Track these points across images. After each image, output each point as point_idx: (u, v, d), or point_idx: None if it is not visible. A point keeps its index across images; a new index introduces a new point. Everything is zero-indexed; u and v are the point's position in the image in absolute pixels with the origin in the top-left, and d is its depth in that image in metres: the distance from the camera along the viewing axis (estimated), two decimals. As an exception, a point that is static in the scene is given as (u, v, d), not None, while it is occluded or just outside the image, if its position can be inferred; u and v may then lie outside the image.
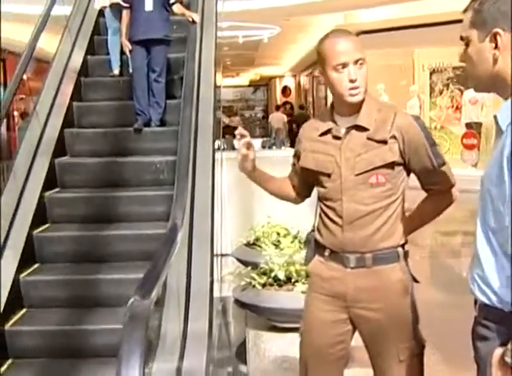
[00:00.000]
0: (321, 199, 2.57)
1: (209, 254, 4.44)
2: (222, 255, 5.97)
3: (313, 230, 2.64)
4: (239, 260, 5.92)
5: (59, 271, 4.62)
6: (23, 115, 14.52)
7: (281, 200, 2.84)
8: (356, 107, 2.46)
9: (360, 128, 2.46)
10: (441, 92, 16.18)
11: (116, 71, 6.57)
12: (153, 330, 3.80)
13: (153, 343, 3.68)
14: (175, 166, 4.60)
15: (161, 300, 3.96)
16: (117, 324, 3.74)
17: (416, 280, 2.54)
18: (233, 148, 9.18)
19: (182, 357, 3.55)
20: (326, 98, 21.26)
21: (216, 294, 4.67)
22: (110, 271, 4.54)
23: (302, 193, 2.79)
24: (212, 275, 4.29)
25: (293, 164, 2.74)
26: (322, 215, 2.55)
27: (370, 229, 2.45)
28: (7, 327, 4.09)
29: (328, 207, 2.51)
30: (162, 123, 6.00)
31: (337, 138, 2.50)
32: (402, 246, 2.51)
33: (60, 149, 5.50)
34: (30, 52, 5.29)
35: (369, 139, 2.44)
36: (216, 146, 5.62)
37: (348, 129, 2.47)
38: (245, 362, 4.53)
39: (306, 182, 2.70)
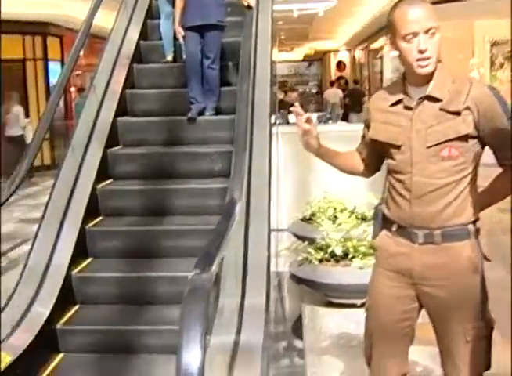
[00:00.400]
0: (390, 172, 2.49)
1: (266, 230, 4.41)
2: (278, 230, 5.96)
3: (380, 203, 2.58)
4: (295, 235, 5.91)
5: (111, 266, 4.61)
6: (80, 90, 14.71)
7: (349, 175, 2.76)
8: (428, 77, 2.37)
9: (433, 99, 2.36)
10: (501, 66, 15.74)
11: (169, 57, 6.39)
12: (210, 304, 3.82)
13: (211, 317, 3.70)
14: (231, 157, 4.54)
15: (219, 274, 3.98)
16: (169, 324, 3.81)
17: (487, 259, 2.47)
18: (288, 122, 9.16)
19: (239, 331, 3.55)
20: (381, 72, 20.95)
21: (272, 269, 4.66)
22: (164, 267, 4.48)
23: (372, 166, 2.71)
24: (269, 250, 4.28)
25: (363, 136, 2.66)
26: (391, 188, 2.48)
27: (440, 205, 2.37)
28: (59, 325, 4.13)
29: (397, 180, 2.44)
30: (217, 111, 5.85)
31: (408, 108, 2.41)
32: (473, 223, 2.43)
33: (113, 138, 5.45)
34: (87, 28, 5.32)
35: (442, 110, 2.34)
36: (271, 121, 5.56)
37: (420, 100, 2.38)
38: (301, 337, 4.52)
39: (376, 154, 2.62)
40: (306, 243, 5.23)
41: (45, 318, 3.99)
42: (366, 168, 2.71)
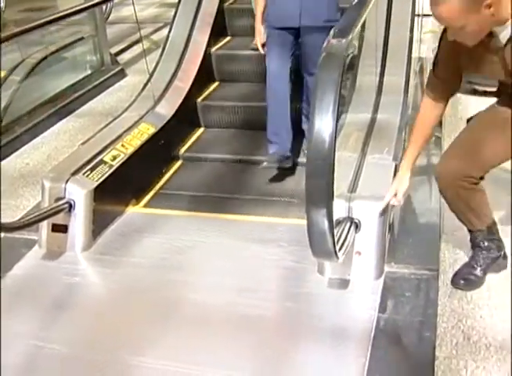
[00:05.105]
0: None
1: (409, 13, 4.19)
2: (424, 15, 5.63)
3: None
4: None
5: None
6: None
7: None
8: None
9: None
10: None
11: None
12: (348, 83, 3.76)
13: (347, 95, 3.66)
14: None
15: (358, 53, 3.87)
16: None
17: None
18: None
19: (376, 110, 3.49)
20: None
21: (415, 54, 4.47)
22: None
23: None
24: (412, 31, 4.07)
25: None
26: None
27: None
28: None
29: None
30: None
31: None
32: None
33: None
34: None
35: None
36: None
37: None
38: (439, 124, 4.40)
39: None
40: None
41: (185, 92, 4.12)
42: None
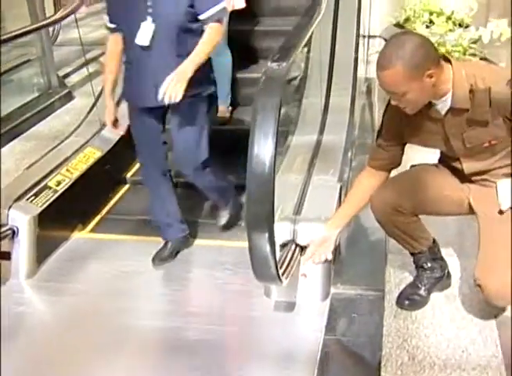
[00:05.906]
0: None
1: (354, 34, 4.26)
2: (370, 37, 5.71)
3: None
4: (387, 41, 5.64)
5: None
6: None
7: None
8: None
9: None
10: None
11: None
12: (294, 105, 3.79)
13: (293, 117, 3.68)
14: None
15: (304, 75, 3.90)
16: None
17: None
18: None
19: (321, 131, 3.52)
20: None
21: (361, 74, 4.52)
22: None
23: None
24: (357, 52, 4.12)
25: None
26: None
27: None
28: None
29: None
30: None
31: None
32: None
33: None
34: None
35: None
36: None
37: None
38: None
39: None
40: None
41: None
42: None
